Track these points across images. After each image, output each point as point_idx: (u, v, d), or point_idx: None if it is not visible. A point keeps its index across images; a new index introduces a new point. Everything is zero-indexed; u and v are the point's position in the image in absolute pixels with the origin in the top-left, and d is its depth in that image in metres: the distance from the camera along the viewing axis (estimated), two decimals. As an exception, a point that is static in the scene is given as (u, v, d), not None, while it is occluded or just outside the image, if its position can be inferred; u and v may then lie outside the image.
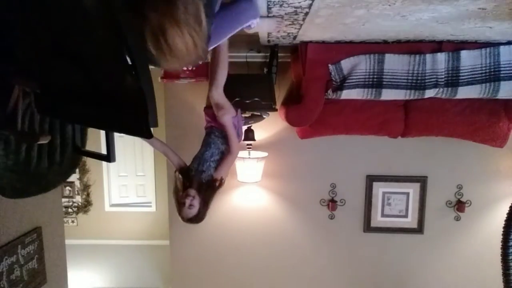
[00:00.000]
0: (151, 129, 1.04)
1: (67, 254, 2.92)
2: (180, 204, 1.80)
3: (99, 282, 4.57)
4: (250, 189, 3.41)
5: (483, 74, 2.53)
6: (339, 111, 2.89)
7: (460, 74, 2.54)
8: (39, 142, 1.60)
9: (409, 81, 2.58)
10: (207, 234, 3.52)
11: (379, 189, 3.37)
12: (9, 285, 2.19)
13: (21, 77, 1.43)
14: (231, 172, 3.34)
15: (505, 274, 2.18)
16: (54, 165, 1.95)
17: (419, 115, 2.91)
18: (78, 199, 5.52)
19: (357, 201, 3.41)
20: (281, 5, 1.74)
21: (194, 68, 2.71)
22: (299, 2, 1.69)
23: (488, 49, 2.49)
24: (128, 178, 5.82)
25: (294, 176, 3.40)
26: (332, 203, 3.36)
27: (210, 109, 2.04)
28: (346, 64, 2.63)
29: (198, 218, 1.83)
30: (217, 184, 1.86)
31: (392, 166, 3.36)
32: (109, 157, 1.50)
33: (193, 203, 1.78)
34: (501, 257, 2.19)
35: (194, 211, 1.79)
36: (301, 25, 2.11)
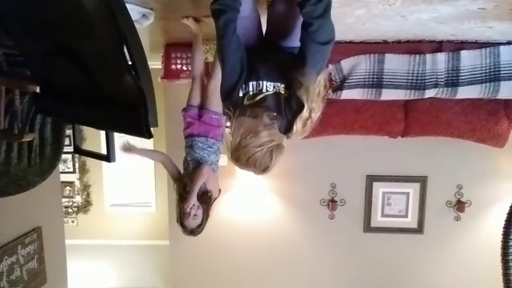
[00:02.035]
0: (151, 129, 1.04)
1: (67, 254, 2.92)
2: (184, 214, 1.80)
3: (98, 282, 4.57)
4: (250, 189, 3.41)
5: (483, 74, 2.53)
6: (339, 111, 2.89)
7: (460, 74, 2.54)
8: (23, 140, 1.60)
9: (409, 81, 2.58)
10: (207, 234, 3.50)
11: (379, 189, 3.37)
12: (9, 285, 2.19)
13: (5, 77, 1.43)
14: (231, 172, 3.34)
15: (505, 274, 2.18)
16: (33, 166, 1.97)
17: (419, 115, 2.91)
18: (78, 199, 5.50)
19: (357, 201, 3.41)
20: (281, 5, 1.73)
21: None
22: (299, 2, 1.68)
23: (488, 49, 2.49)
24: (128, 178, 5.82)
25: (294, 176, 3.39)
26: (332, 203, 3.36)
27: (192, 108, 2.01)
28: (346, 64, 2.63)
29: (200, 229, 1.85)
30: (209, 195, 1.87)
31: (392, 166, 3.35)
32: (109, 157, 1.51)
33: (197, 213, 1.79)
34: (501, 257, 2.19)
35: (198, 221, 1.81)
36: (301, 25, 2.10)
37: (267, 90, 1.35)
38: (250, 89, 1.36)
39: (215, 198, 1.94)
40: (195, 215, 1.82)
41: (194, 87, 2.06)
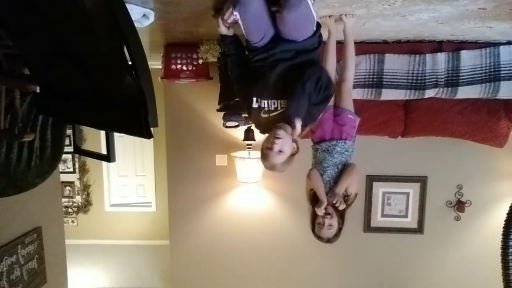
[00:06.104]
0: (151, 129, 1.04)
1: (67, 254, 2.92)
2: (318, 225, 1.81)
3: (99, 282, 4.57)
4: (250, 189, 3.41)
5: (483, 74, 2.53)
6: (339, 111, 2.88)
7: (460, 74, 2.54)
8: (23, 140, 1.60)
9: (409, 81, 2.58)
10: (207, 234, 3.52)
11: (379, 189, 3.37)
12: (9, 285, 2.19)
13: (4, 76, 1.43)
14: (231, 172, 3.34)
15: (505, 274, 2.18)
16: (33, 168, 1.97)
17: (419, 115, 2.91)
18: (78, 199, 5.50)
19: (357, 201, 3.39)
20: (281, 5, 1.73)
21: (194, 68, 2.71)
22: (299, 2, 1.68)
23: (488, 49, 2.49)
24: (128, 178, 5.81)
25: (294, 176, 3.36)
26: (332, 203, 3.36)
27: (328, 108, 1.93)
28: (346, 64, 2.63)
29: (337, 237, 1.86)
30: (347, 201, 1.87)
31: (392, 166, 3.35)
32: (109, 157, 1.50)
33: (332, 222, 1.80)
34: (501, 257, 2.19)
35: (333, 231, 1.82)
36: (301, 25, 2.10)
37: (281, 107, 1.50)
38: (265, 106, 1.52)
39: (352, 202, 1.90)
40: (330, 225, 1.80)
41: None
